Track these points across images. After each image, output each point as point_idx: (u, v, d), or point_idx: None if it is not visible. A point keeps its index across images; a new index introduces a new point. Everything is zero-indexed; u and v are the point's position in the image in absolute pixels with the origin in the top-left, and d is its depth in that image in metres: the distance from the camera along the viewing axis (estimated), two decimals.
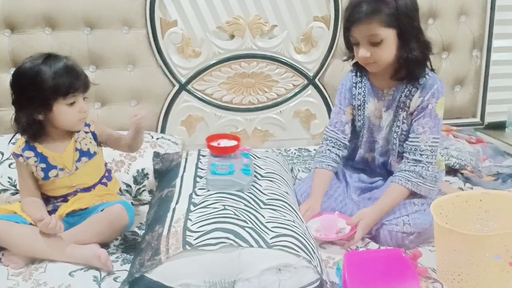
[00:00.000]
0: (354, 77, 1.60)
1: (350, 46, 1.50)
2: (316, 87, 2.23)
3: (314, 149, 2.20)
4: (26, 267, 1.33)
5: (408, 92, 1.48)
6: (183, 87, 2.14)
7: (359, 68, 1.58)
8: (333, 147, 1.62)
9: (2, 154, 1.71)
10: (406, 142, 1.49)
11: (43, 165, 1.41)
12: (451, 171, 1.90)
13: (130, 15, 2.02)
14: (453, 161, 1.90)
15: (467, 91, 2.38)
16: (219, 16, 2.11)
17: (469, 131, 2.25)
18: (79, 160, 1.45)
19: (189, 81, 2.14)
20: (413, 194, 1.47)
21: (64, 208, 1.42)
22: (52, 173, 1.42)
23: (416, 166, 1.45)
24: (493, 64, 2.35)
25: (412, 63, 1.43)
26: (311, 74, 2.20)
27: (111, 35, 2.03)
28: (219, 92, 2.18)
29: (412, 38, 1.41)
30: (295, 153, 2.17)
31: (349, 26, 1.43)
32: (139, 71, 2.10)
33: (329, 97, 2.24)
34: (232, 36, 2.12)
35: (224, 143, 1.57)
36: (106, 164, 1.58)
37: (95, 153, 1.48)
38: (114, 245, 1.44)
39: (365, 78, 1.57)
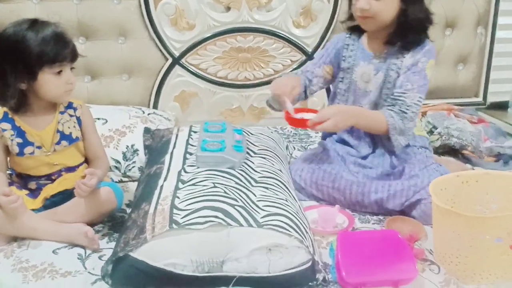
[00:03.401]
0: (347, 38, 1.58)
1: (351, 3, 1.49)
2: None
3: None
4: (8, 244, 1.28)
5: (399, 54, 1.48)
6: (176, 61, 2.07)
7: (354, 31, 1.56)
8: (300, 76, 1.59)
9: None
10: (391, 96, 1.46)
11: (20, 140, 1.33)
12: (451, 151, 1.85)
13: None
14: (453, 141, 1.85)
15: (470, 69, 2.31)
16: None
17: (471, 111, 2.18)
18: (58, 143, 1.36)
19: (183, 55, 2.07)
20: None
21: (50, 190, 1.35)
22: (27, 149, 1.34)
23: (400, 113, 1.43)
24: (498, 42, 2.28)
25: (410, 29, 1.43)
26: (309, 49, 2.13)
27: (102, 5, 1.95)
28: (214, 67, 2.11)
29: (415, 2, 1.41)
30: (291, 131, 2.11)
31: None
32: (130, 43, 2.02)
33: None
34: (228, 8, 2.05)
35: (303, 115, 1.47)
36: None
37: (77, 138, 1.40)
38: (101, 222, 1.39)
39: (358, 41, 1.55)
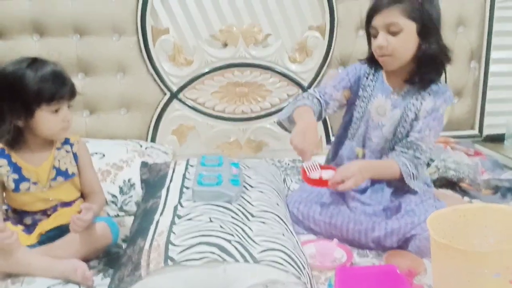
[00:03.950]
0: (368, 68, 1.58)
1: (370, 41, 1.51)
2: None
3: None
4: (2, 281, 1.26)
5: (419, 96, 1.49)
6: (174, 95, 2.09)
7: (373, 63, 1.56)
8: (316, 102, 1.56)
9: None
10: (407, 139, 1.48)
11: (16, 176, 1.33)
12: (449, 184, 1.85)
13: (121, 22, 1.98)
14: (450, 174, 1.85)
15: (465, 102, 2.33)
16: (212, 24, 2.07)
17: (467, 143, 2.20)
18: (54, 179, 1.36)
19: (181, 89, 2.09)
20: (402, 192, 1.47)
21: (45, 225, 1.34)
22: (23, 185, 1.34)
23: (414, 160, 1.46)
24: (492, 76, 2.31)
25: (429, 65, 1.44)
26: (305, 83, 2.16)
27: (101, 42, 1.99)
28: (211, 101, 2.13)
29: (432, 38, 1.42)
30: (288, 164, 2.12)
31: (370, 16, 1.43)
32: (129, 78, 2.05)
33: None
34: (225, 45, 2.08)
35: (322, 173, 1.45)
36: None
37: (73, 174, 1.40)
38: (96, 258, 1.37)
39: (378, 73, 1.56)
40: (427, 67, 1.45)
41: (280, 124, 1.63)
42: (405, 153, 1.47)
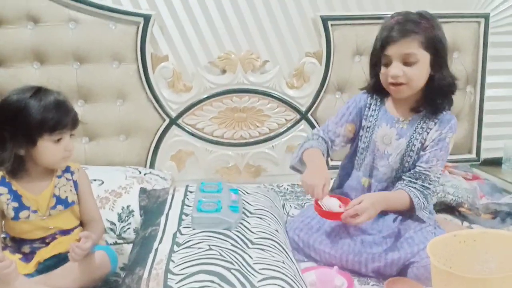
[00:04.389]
0: (369, 98, 1.58)
1: (375, 70, 1.50)
2: (309, 122, 2.20)
3: None
4: None
5: (424, 125, 1.49)
6: (173, 121, 2.11)
7: (375, 92, 1.56)
8: (321, 141, 1.57)
9: None
10: (415, 170, 1.48)
11: (16, 204, 1.33)
12: (448, 208, 1.85)
13: (121, 50, 2.01)
14: (449, 198, 1.85)
15: (462, 126, 2.34)
16: (210, 51, 2.10)
17: (465, 168, 2.20)
18: (54, 207, 1.36)
19: (180, 115, 2.11)
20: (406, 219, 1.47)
21: (44, 253, 1.33)
22: (23, 214, 1.33)
23: (424, 190, 1.46)
24: (488, 100, 2.33)
25: (437, 94, 1.45)
26: (303, 109, 2.18)
27: (101, 69, 2.01)
28: (210, 126, 2.14)
29: (443, 68, 1.44)
30: (287, 188, 2.12)
31: (385, 44, 1.42)
32: (129, 105, 2.07)
33: None
34: (224, 71, 2.11)
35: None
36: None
37: (73, 202, 1.39)
38: (94, 287, 1.36)
39: (380, 102, 1.56)
40: (440, 96, 1.46)
41: (293, 168, 1.63)
42: (414, 183, 1.47)
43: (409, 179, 1.48)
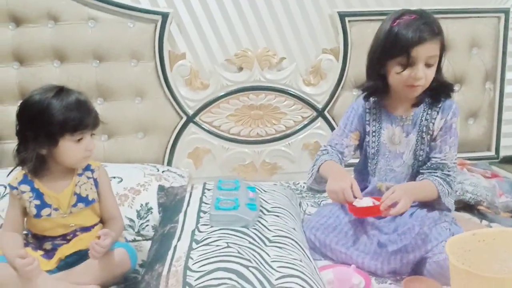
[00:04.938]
0: (366, 103, 1.57)
1: (376, 71, 1.46)
2: (325, 119, 2.19)
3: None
4: None
5: (428, 116, 1.49)
6: (190, 119, 2.12)
7: (373, 95, 1.54)
8: (332, 153, 1.58)
9: (6, 188, 1.68)
10: (431, 162, 1.49)
11: (38, 202, 1.35)
12: (467, 207, 1.83)
13: (139, 48, 2.03)
14: (468, 196, 1.83)
15: (480, 124, 2.32)
16: (227, 49, 2.11)
17: (484, 165, 2.17)
18: (75, 205, 1.38)
19: (197, 113, 2.12)
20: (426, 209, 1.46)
21: (65, 250, 1.36)
22: (45, 211, 1.35)
23: (446, 178, 1.47)
24: (507, 97, 2.30)
25: (445, 87, 1.47)
26: (320, 106, 2.17)
27: (120, 67, 2.03)
28: (226, 124, 2.15)
29: (440, 67, 1.46)
30: (304, 186, 2.12)
31: (412, 45, 1.37)
32: (147, 103, 2.09)
33: None
34: (241, 69, 2.12)
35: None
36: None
37: (93, 200, 1.42)
38: (114, 284, 1.38)
39: (378, 104, 1.56)
40: (443, 89, 1.48)
41: (311, 189, 1.63)
42: (435, 173, 1.47)
43: (428, 171, 1.48)
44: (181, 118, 2.12)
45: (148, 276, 1.22)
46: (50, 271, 1.32)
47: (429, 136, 1.50)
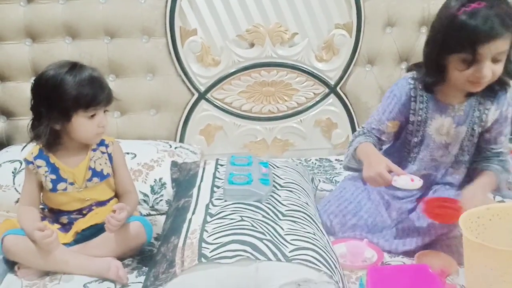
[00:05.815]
0: (412, 90, 1.44)
1: (437, 62, 1.32)
2: (338, 96, 2.18)
3: (336, 159, 2.14)
4: (41, 278, 1.30)
5: (481, 106, 1.41)
6: (202, 96, 2.12)
7: (431, 89, 1.41)
8: (369, 135, 1.51)
9: (21, 163, 1.71)
10: (487, 154, 1.47)
11: (53, 176, 1.37)
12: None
13: (150, 24, 2.01)
14: None
15: None
16: (239, 24, 2.08)
17: None
18: (90, 179, 1.40)
19: (208, 90, 2.12)
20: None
21: (81, 224, 1.38)
22: (61, 186, 1.38)
23: (504, 165, 1.45)
24: None
25: (501, 81, 1.35)
26: (332, 82, 2.15)
27: (131, 44, 2.02)
28: (238, 101, 2.15)
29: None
30: (315, 163, 2.12)
31: (479, 41, 1.21)
32: (158, 80, 2.08)
33: (351, 105, 2.19)
34: (252, 45, 2.10)
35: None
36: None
37: (108, 174, 1.43)
38: (130, 256, 1.41)
39: (426, 93, 1.42)
40: (501, 82, 1.36)
41: (348, 168, 1.56)
42: (492, 162, 1.45)
43: (484, 161, 1.46)
44: (193, 95, 2.11)
45: (164, 248, 1.24)
46: (67, 244, 1.35)
47: (480, 128, 1.43)
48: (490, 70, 1.25)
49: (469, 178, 1.48)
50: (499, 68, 1.27)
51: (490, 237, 1.24)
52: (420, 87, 1.42)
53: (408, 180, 1.33)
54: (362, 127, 1.56)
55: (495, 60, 1.25)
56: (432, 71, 1.36)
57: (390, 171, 1.34)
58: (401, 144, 1.53)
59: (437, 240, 1.39)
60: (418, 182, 1.33)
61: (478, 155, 1.49)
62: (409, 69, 1.49)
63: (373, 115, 1.53)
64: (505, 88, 1.39)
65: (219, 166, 1.62)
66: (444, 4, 1.30)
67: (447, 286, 1.20)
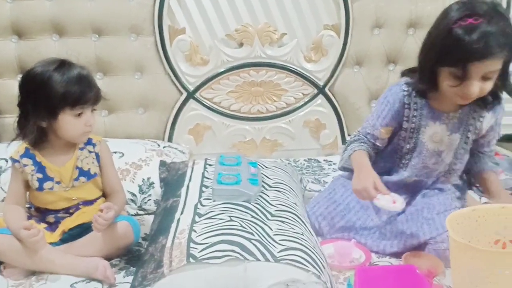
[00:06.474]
0: (406, 97, 1.42)
1: (431, 71, 1.31)
2: (326, 97, 2.19)
3: (324, 160, 2.15)
4: (27, 278, 1.29)
5: (476, 114, 1.40)
6: (191, 95, 2.11)
7: (424, 95, 1.40)
8: (363, 141, 1.50)
9: (7, 162, 1.68)
10: (483, 155, 1.52)
11: (40, 175, 1.36)
12: (467, 184, 1.84)
13: (138, 22, 2.00)
14: None
15: None
16: (227, 24, 2.08)
17: None
18: (77, 179, 1.39)
19: (197, 89, 2.11)
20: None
21: (68, 223, 1.37)
22: (47, 185, 1.36)
23: (496, 164, 1.52)
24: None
25: (495, 94, 1.34)
26: (321, 83, 2.16)
27: (119, 42, 2.01)
28: (227, 100, 2.14)
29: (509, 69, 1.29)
30: (304, 163, 2.13)
31: (471, 59, 1.19)
32: (146, 78, 2.07)
33: (339, 106, 2.20)
34: (241, 44, 2.10)
35: None
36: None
37: (95, 174, 1.42)
38: (118, 256, 1.40)
39: (421, 99, 1.41)
40: (494, 95, 1.35)
41: (344, 168, 1.57)
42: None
43: (481, 164, 1.51)
44: (181, 94, 2.11)
45: (152, 248, 1.23)
46: (53, 244, 1.34)
47: (474, 136, 1.43)
48: (478, 88, 1.23)
49: (469, 182, 1.56)
50: (488, 86, 1.25)
51: (476, 239, 1.26)
52: (414, 93, 1.41)
53: (390, 202, 1.33)
54: (358, 131, 1.56)
55: (485, 78, 1.23)
56: (425, 78, 1.34)
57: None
58: (393, 150, 1.52)
59: (425, 244, 1.40)
60: (400, 205, 1.33)
61: (470, 158, 1.51)
62: (403, 74, 1.48)
63: (368, 120, 1.52)
64: (498, 101, 1.37)
65: (207, 166, 1.61)
66: (444, 11, 1.28)
67: (434, 287, 1.21)
